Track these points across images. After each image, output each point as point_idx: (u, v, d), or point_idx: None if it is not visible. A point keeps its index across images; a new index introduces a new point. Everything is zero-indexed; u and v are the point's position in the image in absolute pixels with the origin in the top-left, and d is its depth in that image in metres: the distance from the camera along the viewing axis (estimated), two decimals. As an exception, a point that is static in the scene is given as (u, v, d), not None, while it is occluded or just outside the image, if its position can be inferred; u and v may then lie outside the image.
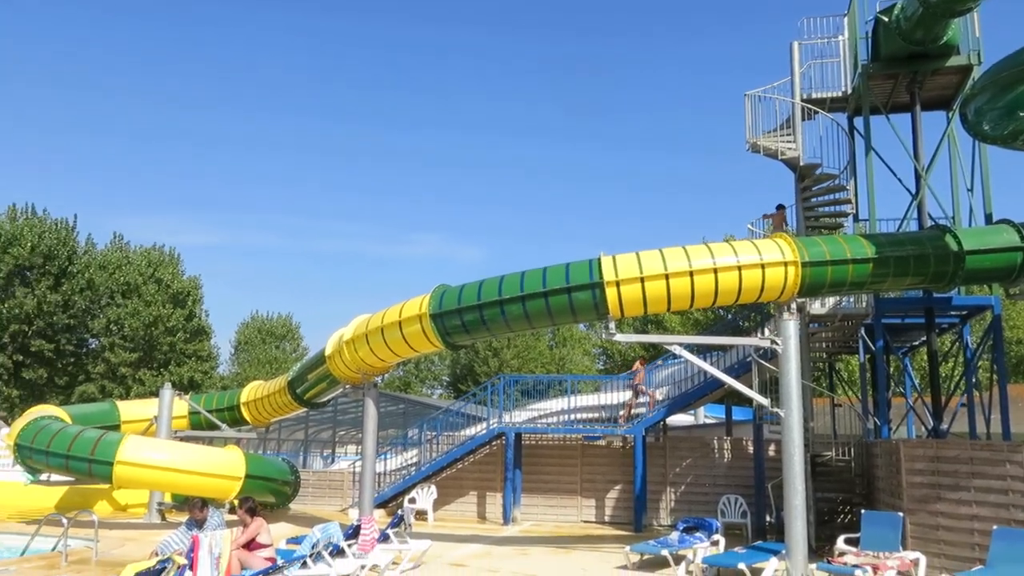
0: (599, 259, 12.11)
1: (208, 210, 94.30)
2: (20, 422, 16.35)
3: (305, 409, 19.56)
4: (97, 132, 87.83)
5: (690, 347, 13.56)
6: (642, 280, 11.80)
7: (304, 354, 61.26)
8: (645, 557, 12.26)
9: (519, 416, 20.55)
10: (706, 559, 11.08)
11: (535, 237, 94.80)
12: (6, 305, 39.81)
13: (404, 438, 22.84)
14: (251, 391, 19.72)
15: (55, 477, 16.84)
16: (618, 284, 11.86)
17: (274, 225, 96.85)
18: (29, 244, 40.67)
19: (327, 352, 15.74)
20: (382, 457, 20.52)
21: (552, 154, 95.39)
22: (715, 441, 19.16)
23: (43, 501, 18.43)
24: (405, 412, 28.19)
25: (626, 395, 19.79)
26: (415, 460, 20.98)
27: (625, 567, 11.96)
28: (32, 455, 15.50)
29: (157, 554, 7.53)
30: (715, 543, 12.23)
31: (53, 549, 11.88)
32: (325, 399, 18.96)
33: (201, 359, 47.33)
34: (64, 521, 11.77)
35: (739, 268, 11.59)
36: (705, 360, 15.49)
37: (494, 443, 19.62)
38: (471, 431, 20.29)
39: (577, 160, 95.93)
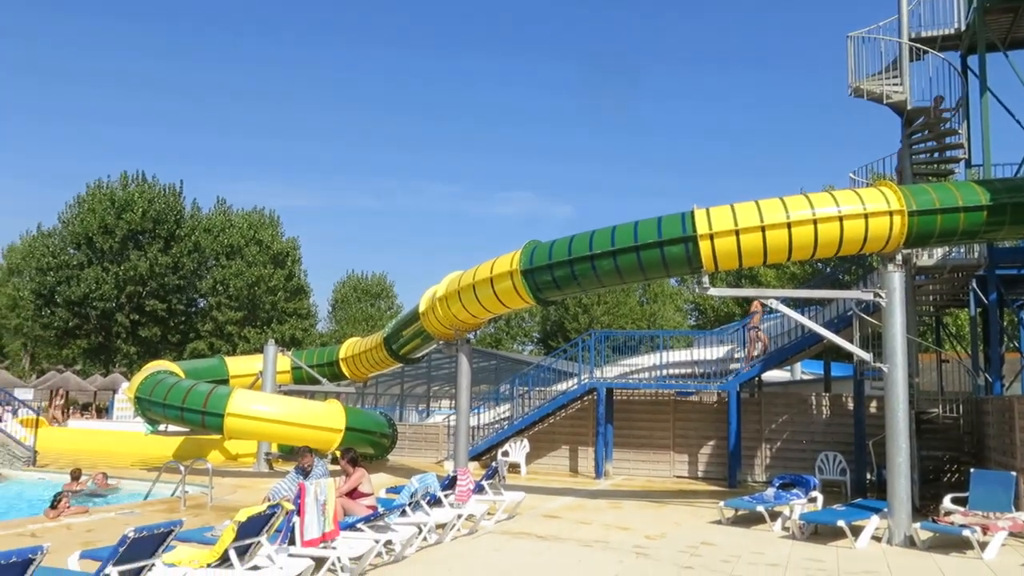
0: (692, 212, 11.86)
1: (305, 173, 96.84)
2: (139, 376, 17.40)
3: (400, 364, 20.11)
4: (200, 98, 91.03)
5: (786, 302, 13.16)
6: (737, 233, 11.50)
7: (398, 312, 62.71)
8: (740, 513, 12.16)
9: (610, 372, 20.54)
10: (804, 516, 10.90)
11: (626, 193, 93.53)
12: (122, 268, 42.19)
13: (496, 393, 23.20)
14: (349, 347, 20.37)
15: (172, 428, 17.94)
16: (712, 237, 11.60)
17: (368, 187, 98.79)
18: (140, 209, 42.82)
19: (421, 309, 16.06)
20: (475, 411, 20.92)
21: (644, 108, 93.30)
22: (813, 397, 18.69)
23: (162, 450, 19.68)
24: (497, 368, 28.59)
25: (719, 350, 19.47)
26: (507, 415, 21.32)
27: (719, 522, 11.90)
28: (150, 407, 16.50)
29: (268, 500, 7.95)
30: (812, 500, 12.00)
31: (172, 494, 12.70)
32: (419, 355, 19.42)
33: (301, 317, 49.09)
34: (181, 469, 12.55)
35: (840, 219, 11.14)
36: (803, 315, 15.05)
37: (585, 398, 19.71)
38: (562, 386, 20.43)
39: (670, 113, 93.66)
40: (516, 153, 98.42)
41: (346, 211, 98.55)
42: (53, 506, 11.02)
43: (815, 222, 11.21)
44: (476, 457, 19.59)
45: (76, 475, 13.85)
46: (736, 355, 19.05)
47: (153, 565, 5.93)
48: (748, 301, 38.72)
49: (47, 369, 44.59)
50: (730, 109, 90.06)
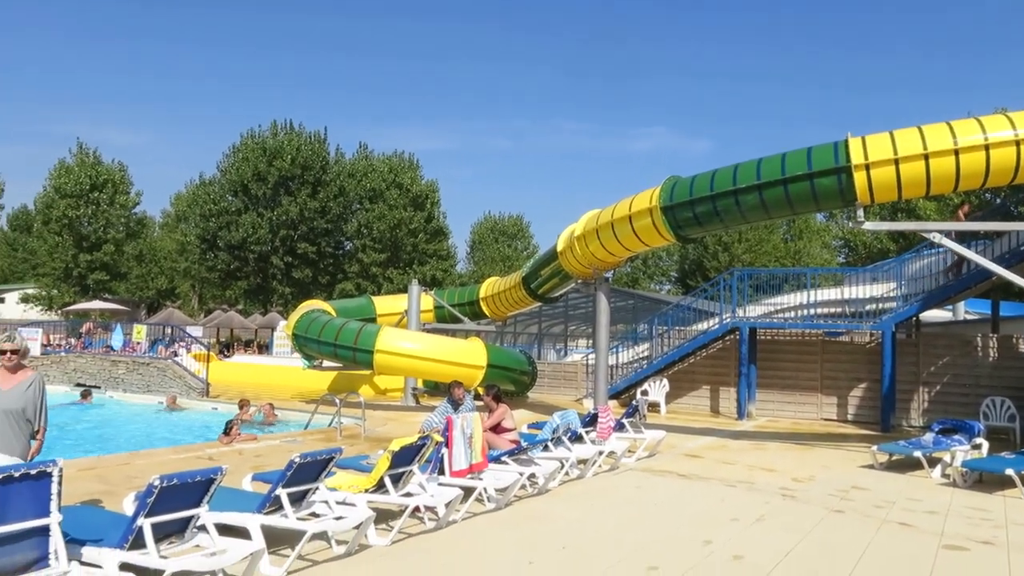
0: (846, 140, 11.14)
1: (442, 117, 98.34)
2: (295, 315, 18.48)
3: (538, 304, 20.33)
4: (344, 50, 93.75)
5: (948, 235, 12.19)
6: (896, 162, 10.72)
7: (534, 252, 63.17)
8: (894, 458, 11.62)
9: (753, 311, 19.93)
10: (966, 463, 10.27)
11: (770, 122, 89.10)
12: (275, 213, 44.63)
13: (634, 333, 23.07)
14: (489, 286, 20.77)
15: (326, 363, 19.02)
16: (868, 167, 10.88)
17: (503, 128, 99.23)
18: (289, 156, 44.92)
19: (559, 248, 16.08)
20: (613, 350, 20.91)
21: (787, 26, 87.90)
22: (978, 339, 17.43)
23: (317, 384, 20.94)
24: (634, 307, 28.39)
25: (873, 288, 18.43)
26: (646, 354, 21.19)
27: (871, 467, 11.43)
28: (306, 344, 17.53)
29: (421, 431, 8.32)
30: (976, 447, 11.27)
31: (329, 425, 13.53)
32: (557, 294, 19.55)
33: (441, 258, 50.39)
34: (337, 401, 13.32)
35: (1017, 143, 10.15)
36: (969, 250, 13.94)
37: (727, 338, 19.26)
38: (702, 326, 20.03)
39: (815, 27, 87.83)
40: (651, 86, 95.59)
41: (482, 153, 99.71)
42: (226, 432, 12.02)
43: (987, 147, 10.28)
44: (615, 396, 19.65)
45: (243, 405, 14.99)
46: (892, 293, 17.96)
47: (317, 488, 6.35)
48: (905, 236, 36.29)
49: (213, 309, 48.19)
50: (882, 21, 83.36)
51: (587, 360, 22.04)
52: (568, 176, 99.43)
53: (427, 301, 20.39)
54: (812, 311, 18.96)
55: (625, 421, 12.03)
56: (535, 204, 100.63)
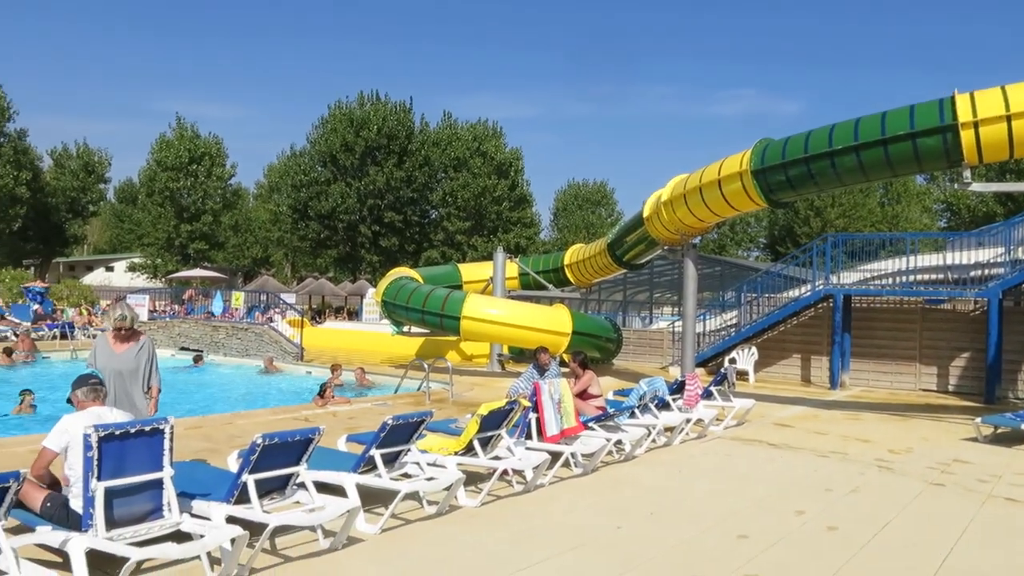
0: (952, 97, 10.55)
1: (526, 83, 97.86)
2: (384, 282, 18.88)
3: (623, 271, 20.16)
4: (430, 20, 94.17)
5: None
6: (1009, 119, 10.10)
7: (619, 219, 62.52)
8: (1000, 430, 11.10)
9: (848, 278, 19.24)
10: (1081, 437, 9.74)
11: (864, 82, 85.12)
12: (362, 183, 45.49)
13: (721, 300, 22.65)
14: (573, 253, 20.70)
15: (414, 329, 19.40)
16: (976, 125, 10.29)
17: (586, 94, 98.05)
18: (376, 127, 45.58)
19: (645, 214, 15.86)
20: (701, 318, 20.59)
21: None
22: (1095, 307, 16.37)
23: (405, 349, 21.40)
24: (722, 274, 27.84)
25: (978, 254, 17.51)
26: (734, 321, 20.78)
27: (974, 439, 10.95)
28: (395, 310, 17.91)
29: (508, 396, 8.42)
30: (1093, 420, 10.66)
31: (418, 389, 13.84)
32: (643, 261, 19.33)
33: (524, 225, 50.46)
34: (425, 366, 13.60)
35: None
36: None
37: (819, 306, 18.68)
38: (794, 293, 19.48)
39: None
40: (739, 46, 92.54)
41: (566, 119, 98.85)
42: (320, 395, 12.45)
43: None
44: (702, 364, 19.38)
45: (335, 370, 15.47)
46: (999, 258, 17.03)
47: (409, 450, 6.53)
48: (1013, 198, 34.27)
49: (305, 276, 49.74)
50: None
51: (673, 327, 21.78)
52: (653, 141, 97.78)
53: (512, 268, 20.48)
54: (911, 278, 18.17)
55: (713, 389, 11.87)
56: (619, 170, 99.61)
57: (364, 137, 45.39)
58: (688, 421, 10.29)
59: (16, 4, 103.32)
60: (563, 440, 8.03)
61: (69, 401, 5.24)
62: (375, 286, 32.24)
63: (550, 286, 20.25)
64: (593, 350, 18.56)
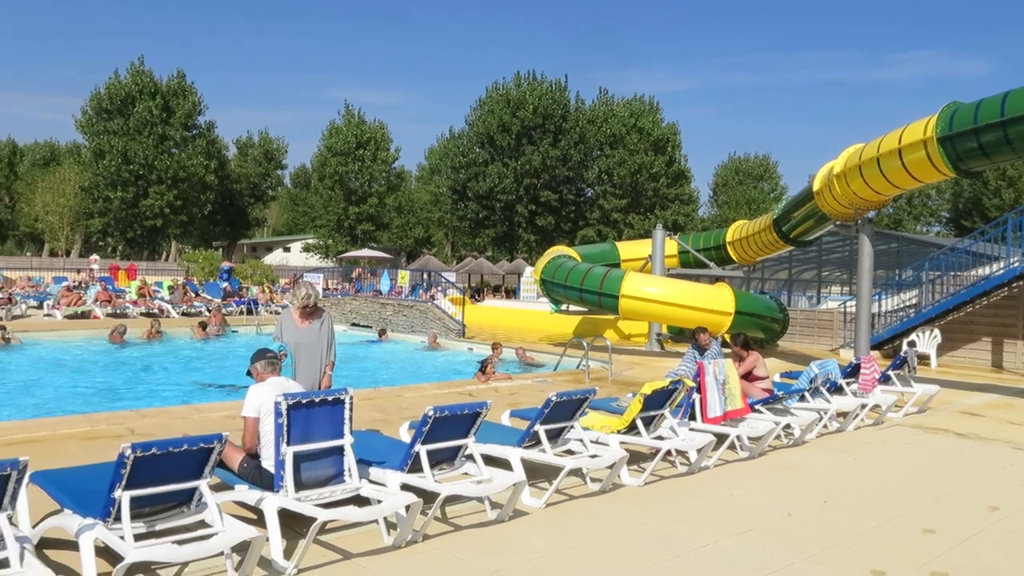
0: None
1: (682, 56, 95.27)
2: (542, 261, 19.05)
3: (789, 248, 19.25)
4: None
5: None
6: None
7: (782, 193, 59.83)
8: None
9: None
10: None
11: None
12: (519, 163, 46.07)
13: (898, 279, 21.16)
14: (736, 230, 20.01)
15: (572, 308, 19.49)
16: None
17: (747, 64, 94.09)
18: (531, 106, 45.96)
19: (815, 188, 15.05)
20: (876, 297, 19.33)
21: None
22: None
23: (563, 328, 21.54)
24: (899, 251, 25.95)
25: None
26: (913, 302, 19.36)
27: None
28: (553, 288, 18.05)
29: (671, 376, 8.29)
30: None
31: (577, 367, 13.90)
32: (811, 237, 18.38)
33: (682, 202, 49.37)
34: (584, 345, 13.62)
35: None
36: None
37: (1014, 285, 17.03)
38: (983, 271, 17.86)
39: None
40: (913, 4, 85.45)
41: (725, 91, 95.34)
42: (482, 371, 12.78)
43: None
44: (877, 346, 18.22)
45: (496, 347, 15.80)
46: None
47: (572, 427, 6.57)
48: None
49: (464, 256, 51.13)
50: None
51: (844, 307, 20.60)
52: (819, 111, 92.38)
53: (671, 246, 20.08)
54: None
55: (891, 373, 11.13)
56: (783, 143, 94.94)
57: (520, 117, 45.88)
58: (864, 407, 9.72)
59: (204, 6, 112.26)
60: (728, 422, 7.81)
61: (249, 373, 5.67)
62: (532, 265, 32.64)
63: (711, 264, 19.69)
64: (757, 331, 17.89)
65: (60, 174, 57.96)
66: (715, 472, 7.21)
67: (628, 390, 10.72)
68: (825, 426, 9.10)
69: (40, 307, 22.37)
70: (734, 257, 19.97)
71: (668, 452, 7.02)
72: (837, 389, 9.86)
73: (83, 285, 24.64)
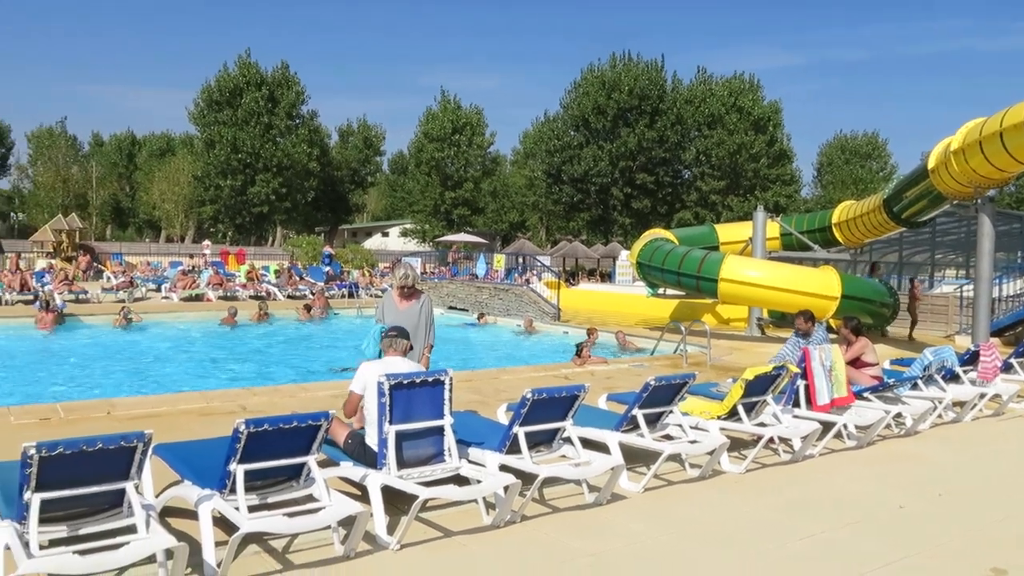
0: None
1: (783, 30, 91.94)
2: (638, 244, 18.83)
3: (900, 229, 18.36)
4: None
5: None
6: None
7: (892, 172, 57.11)
8: None
9: None
10: None
11: None
12: (614, 145, 45.58)
13: (1021, 261, 19.87)
14: (842, 211, 19.22)
15: (669, 292, 19.19)
16: None
17: (854, 37, 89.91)
18: (627, 88, 45.34)
19: (930, 165, 14.27)
20: (996, 281, 18.22)
21: None
22: None
23: (659, 312, 21.24)
24: (1021, 232, 24.36)
25: None
26: (1038, 286, 18.16)
27: None
28: (650, 272, 17.80)
29: (773, 362, 8.05)
30: None
31: (674, 351, 13.69)
32: (924, 218, 17.48)
33: (784, 183, 47.83)
34: (682, 329, 13.40)
35: None
36: None
37: None
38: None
39: None
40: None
41: (830, 66, 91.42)
42: (578, 354, 12.76)
43: None
44: (997, 333, 17.17)
45: (591, 332, 15.71)
46: None
47: (671, 412, 6.48)
48: None
49: (559, 239, 51.08)
50: None
51: (961, 292, 19.51)
52: (933, 85, 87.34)
53: (773, 228, 19.44)
54: None
55: (1014, 361, 10.49)
56: (893, 120, 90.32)
57: (616, 99, 45.35)
58: (983, 396, 9.20)
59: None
60: (834, 410, 7.54)
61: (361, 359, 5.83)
62: (627, 248, 32.29)
63: (815, 247, 18.98)
64: (865, 315, 17.12)
65: (175, 164, 61.00)
66: (820, 461, 6.98)
67: (728, 375, 10.50)
68: (940, 416, 8.67)
69: (158, 290, 23.67)
70: (840, 239, 19.19)
71: (771, 439, 6.83)
72: (953, 377, 9.36)
73: (196, 269, 25.93)
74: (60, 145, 68.04)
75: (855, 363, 9.09)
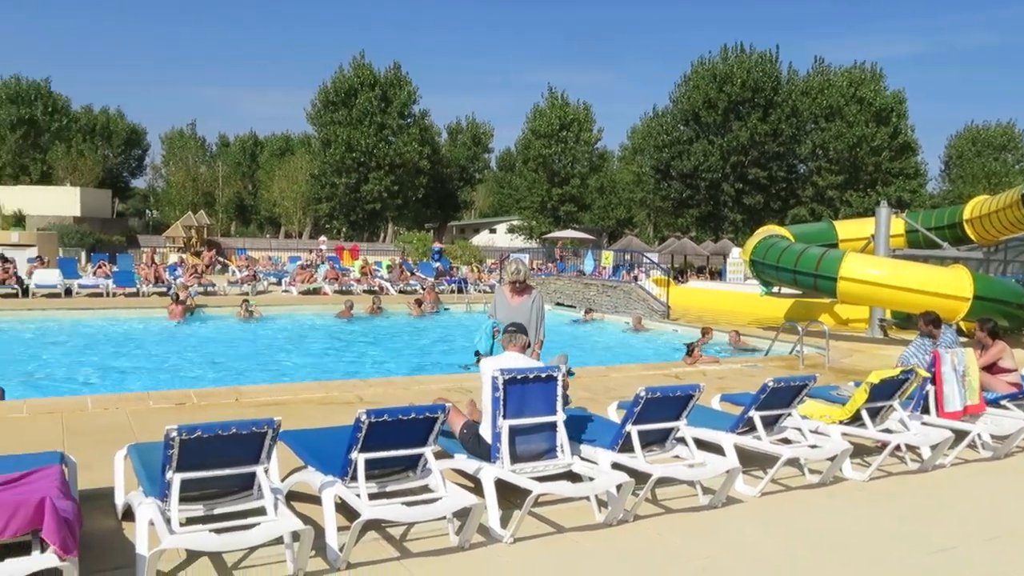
0: None
1: (907, 15, 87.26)
2: (752, 241, 18.27)
3: (1042, 226, 17.09)
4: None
5: None
6: None
7: (1030, 165, 53.40)
8: None
9: None
10: None
11: None
12: (725, 139, 44.45)
13: None
14: (975, 207, 18.07)
15: (784, 290, 18.56)
16: None
17: (985, 20, 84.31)
18: (739, 80, 44.10)
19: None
20: None
21: None
22: None
23: (773, 311, 20.57)
24: None
25: None
26: None
27: None
28: (764, 270, 17.26)
29: (900, 365, 7.66)
30: None
31: (790, 352, 13.22)
32: (1070, 214, 16.19)
33: (907, 177, 45.48)
34: (799, 329, 12.93)
35: None
36: None
37: None
38: None
39: None
40: None
41: (959, 53, 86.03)
42: (689, 354, 12.53)
43: None
44: None
45: (706, 332, 15.38)
46: None
47: (789, 415, 6.27)
48: None
49: (667, 236, 50.26)
50: None
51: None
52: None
53: (897, 225, 18.47)
54: None
55: None
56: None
57: (727, 92, 44.21)
58: None
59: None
60: (967, 418, 7.10)
61: (476, 353, 5.91)
62: (738, 245, 31.41)
63: (945, 244, 17.92)
64: (1001, 317, 16.05)
65: (293, 163, 63.60)
66: (952, 471, 6.60)
67: (848, 378, 10.07)
68: (1089, 428, 8.02)
69: (279, 283, 24.76)
70: (972, 236, 18.05)
71: (897, 447, 6.51)
72: (1106, 387, 8.64)
73: (314, 264, 26.96)
74: (190, 146, 72.20)
75: (991, 369, 8.55)
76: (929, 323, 8.76)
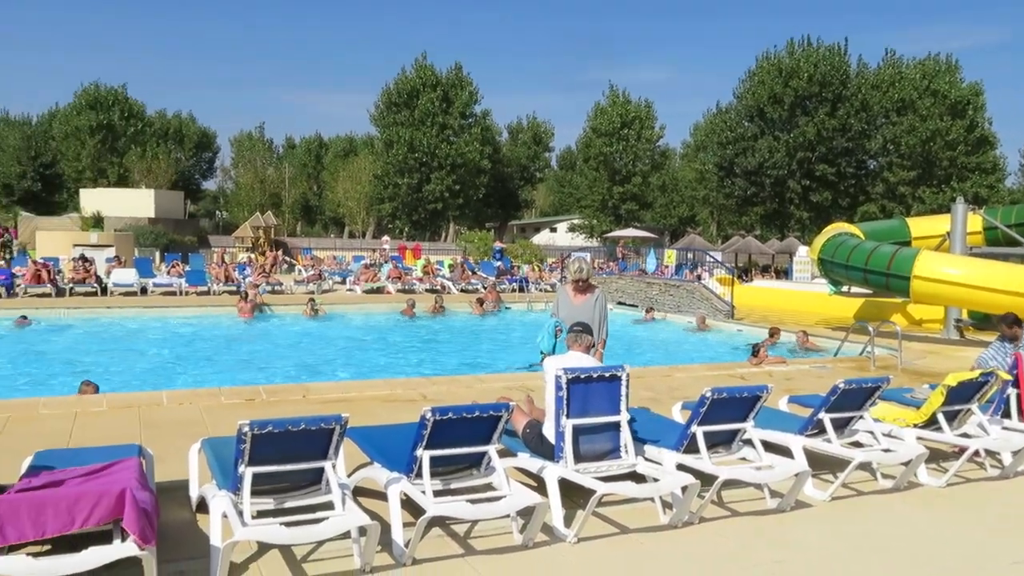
0: None
1: (979, 5, 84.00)
2: (820, 239, 17.82)
3: None
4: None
5: None
6: None
7: (1119, 158, 50.80)
8: None
9: None
10: None
11: None
12: (791, 135, 43.47)
13: None
14: (1058, 203, 17.28)
15: (854, 289, 18.06)
16: None
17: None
18: (806, 75, 43.09)
19: None
20: None
21: None
22: None
23: (842, 311, 20.04)
24: None
25: None
26: None
27: None
28: (833, 268, 16.81)
29: (977, 367, 7.37)
30: None
31: (860, 353, 12.85)
32: None
33: (985, 172, 43.76)
34: (870, 330, 12.55)
35: None
36: None
37: None
38: None
39: None
40: None
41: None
42: (754, 354, 12.29)
43: None
44: None
45: (774, 333, 15.07)
46: None
47: (861, 417, 6.09)
48: None
49: (731, 235, 49.42)
50: None
51: None
52: None
53: (974, 221, 17.78)
54: None
55: None
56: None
57: (793, 87, 43.25)
58: None
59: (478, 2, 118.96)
60: (1052, 423, 6.79)
61: (543, 352, 5.91)
62: (805, 244, 30.69)
63: (1026, 241, 17.18)
64: (1085, 319, 15.32)
65: (357, 163, 64.63)
66: (1035, 479, 6.32)
67: (922, 381, 9.74)
68: None
69: (343, 282, 25.19)
70: (1056, 234, 17.25)
71: (976, 452, 6.27)
72: None
73: (377, 263, 27.36)
74: (258, 149, 74.07)
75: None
76: (1011, 325, 8.40)
